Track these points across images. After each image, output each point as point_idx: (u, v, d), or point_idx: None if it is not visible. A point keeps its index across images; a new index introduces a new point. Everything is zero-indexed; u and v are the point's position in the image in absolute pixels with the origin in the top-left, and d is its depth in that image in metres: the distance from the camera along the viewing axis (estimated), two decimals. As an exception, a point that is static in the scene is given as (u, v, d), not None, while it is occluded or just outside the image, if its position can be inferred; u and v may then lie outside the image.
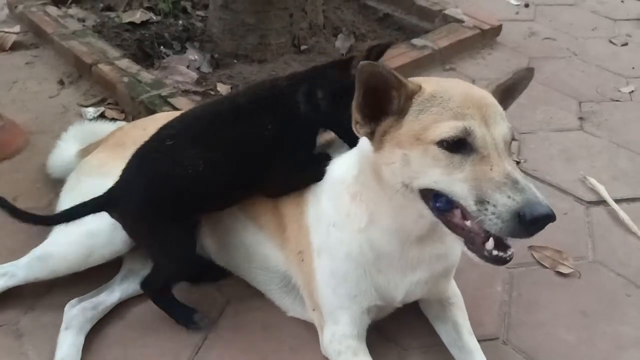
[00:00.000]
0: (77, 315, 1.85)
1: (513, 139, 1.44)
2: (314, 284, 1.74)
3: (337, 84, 1.70)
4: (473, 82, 3.43)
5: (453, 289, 1.92)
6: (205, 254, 2.09)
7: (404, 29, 3.96)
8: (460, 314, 1.87)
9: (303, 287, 1.82)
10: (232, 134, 1.72)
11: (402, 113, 1.44)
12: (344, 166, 1.71)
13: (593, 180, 2.64)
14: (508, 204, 1.29)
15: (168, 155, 1.73)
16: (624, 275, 2.20)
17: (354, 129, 1.49)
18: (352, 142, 1.71)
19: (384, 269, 1.68)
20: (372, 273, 1.68)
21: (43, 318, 1.90)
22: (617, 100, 3.36)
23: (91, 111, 2.95)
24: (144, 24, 3.62)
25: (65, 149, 2.35)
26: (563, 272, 2.18)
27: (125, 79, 3.02)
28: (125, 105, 2.98)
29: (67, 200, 2.01)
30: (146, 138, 2.01)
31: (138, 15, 3.66)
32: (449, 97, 1.41)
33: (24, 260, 1.90)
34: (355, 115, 1.47)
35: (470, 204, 1.33)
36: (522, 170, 1.48)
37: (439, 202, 1.41)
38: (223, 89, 3.13)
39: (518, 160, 2.75)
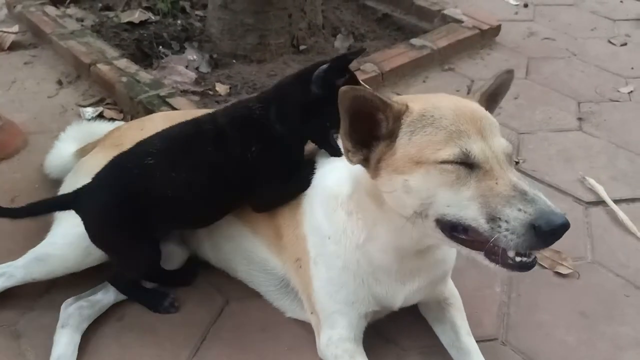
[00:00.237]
0: (73, 313, 1.84)
1: (516, 162, 1.41)
2: (311, 289, 1.74)
3: (302, 100, 1.69)
4: (472, 82, 3.44)
5: (451, 290, 1.92)
6: (201, 255, 2.09)
7: (403, 29, 3.96)
8: (459, 315, 1.87)
9: (301, 291, 1.82)
10: (214, 157, 1.72)
11: (393, 136, 1.40)
12: (335, 179, 1.67)
13: (592, 181, 2.64)
14: (520, 218, 1.26)
15: (146, 174, 1.73)
16: (623, 275, 2.20)
17: (345, 157, 1.45)
18: (333, 152, 1.73)
19: (382, 279, 1.67)
20: (370, 283, 1.67)
21: (41, 319, 1.90)
22: (616, 101, 3.36)
23: (90, 111, 2.94)
24: (143, 23, 3.63)
25: (63, 149, 2.35)
26: (562, 272, 2.17)
27: (124, 79, 3.02)
28: (124, 105, 2.97)
29: None
30: (144, 137, 2.01)
31: (137, 15, 3.66)
32: (440, 115, 1.37)
33: (21, 260, 1.90)
34: (345, 144, 1.42)
35: (481, 224, 1.30)
36: (521, 171, 1.46)
37: (459, 231, 1.38)
38: (222, 89, 3.13)
39: (517, 160, 2.75)
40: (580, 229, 2.41)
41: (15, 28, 3.63)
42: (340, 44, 3.67)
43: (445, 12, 3.95)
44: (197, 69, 3.32)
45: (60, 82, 3.21)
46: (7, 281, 1.89)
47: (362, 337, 1.76)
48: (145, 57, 3.39)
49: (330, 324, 1.73)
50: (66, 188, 2.06)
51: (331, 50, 3.61)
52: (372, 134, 1.42)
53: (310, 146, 1.82)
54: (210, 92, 3.11)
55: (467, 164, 1.33)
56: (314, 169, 1.77)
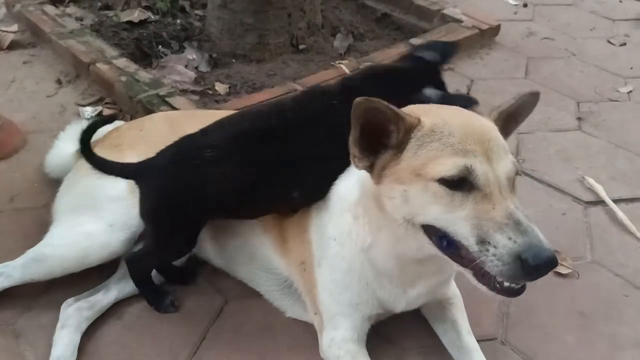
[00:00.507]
0: (73, 314, 1.84)
1: (517, 173, 1.39)
2: (315, 291, 1.74)
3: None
4: (471, 82, 3.44)
5: (453, 290, 1.92)
6: (201, 255, 2.08)
7: (403, 29, 3.96)
8: (460, 314, 1.87)
9: (305, 293, 1.82)
10: (282, 151, 1.66)
11: (400, 147, 1.40)
12: (345, 184, 1.67)
13: (591, 180, 2.64)
14: (509, 246, 1.26)
15: (206, 167, 1.67)
16: (622, 275, 2.20)
17: (352, 162, 1.45)
18: (467, 99, 1.68)
19: (385, 284, 1.67)
20: (374, 286, 1.68)
21: (40, 318, 1.90)
22: (615, 101, 3.36)
23: (89, 110, 2.94)
24: (142, 23, 3.62)
25: (64, 148, 2.34)
26: (561, 272, 2.17)
27: (123, 78, 3.02)
28: (123, 104, 2.97)
29: (64, 200, 2.01)
30: (142, 139, 1.99)
31: (136, 15, 3.65)
32: (449, 131, 1.37)
33: (19, 260, 1.89)
34: (353, 150, 1.42)
35: (471, 244, 1.31)
36: (520, 171, 1.45)
37: (444, 241, 1.38)
38: (221, 88, 3.13)
39: (516, 160, 2.75)
40: (579, 228, 2.41)
41: (14, 27, 3.63)
42: (340, 44, 3.67)
43: (445, 11, 3.95)
44: (196, 68, 3.32)
45: (59, 82, 3.21)
46: (5, 281, 1.88)
47: (365, 339, 1.76)
48: (144, 56, 3.39)
49: (333, 325, 1.72)
50: (65, 188, 2.06)
51: (330, 49, 3.61)
52: (380, 141, 1.42)
53: None
54: (210, 92, 3.11)
55: (468, 182, 1.32)
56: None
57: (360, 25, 3.93)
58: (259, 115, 1.77)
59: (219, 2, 3.38)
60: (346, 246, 1.65)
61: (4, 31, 3.55)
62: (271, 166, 1.67)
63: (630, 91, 3.46)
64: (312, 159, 1.65)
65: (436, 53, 1.76)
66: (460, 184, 1.32)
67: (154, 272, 1.98)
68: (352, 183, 1.64)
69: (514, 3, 4.54)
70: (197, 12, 3.84)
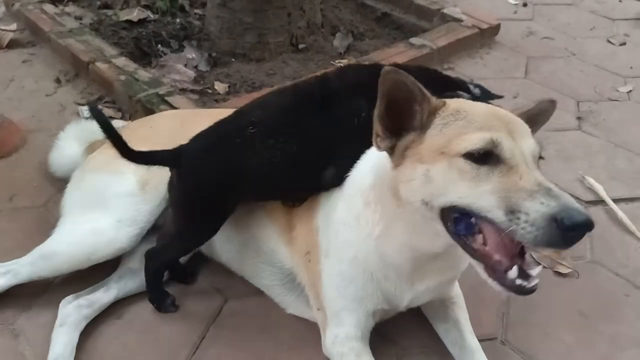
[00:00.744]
0: (72, 312, 1.84)
1: (540, 156, 1.38)
2: (320, 285, 1.73)
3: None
4: (472, 81, 3.42)
5: (456, 289, 1.92)
6: (207, 250, 2.08)
7: (402, 28, 3.96)
8: (462, 314, 1.87)
9: (309, 287, 1.81)
10: (322, 121, 1.65)
11: (424, 128, 1.39)
12: (359, 168, 1.66)
13: (591, 180, 2.64)
14: (542, 210, 1.21)
15: (247, 144, 1.66)
16: (622, 275, 2.21)
17: (374, 142, 1.44)
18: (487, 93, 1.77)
19: (391, 277, 1.65)
20: (379, 278, 1.66)
21: (40, 318, 1.89)
22: (615, 100, 3.36)
23: (88, 109, 2.93)
24: (142, 22, 3.61)
25: (68, 147, 2.33)
26: (561, 272, 2.17)
27: (123, 78, 3.01)
28: (123, 103, 2.97)
29: (72, 197, 2.00)
30: (153, 135, 1.98)
31: (135, 14, 3.65)
32: (474, 112, 1.37)
33: (27, 258, 1.89)
34: (377, 127, 1.41)
35: (498, 215, 1.26)
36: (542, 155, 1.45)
37: (459, 226, 1.36)
38: (221, 87, 3.13)
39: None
40: (579, 228, 2.41)
41: (14, 26, 3.63)
42: (339, 43, 3.66)
43: (445, 11, 3.95)
44: (196, 67, 3.32)
45: (58, 81, 3.20)
46: (13, 279, 1.88)
47: (369, 337, 1.75)
48: (144, 55, 3.38)
49: (337, 321, 1.71)
50: (74, 184, 2.04)
51: (330, 49, 3.61)
52: (404, 123, 1.41)
53: None
54: (209, 91, 3.11)
55: (494, 156, 1.31)
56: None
57: (360, 25, 3.92)
58: (300, 88, 1.76)
59: (219, 1, 3.38)
60: (354, 232, 1.63)
61: (3, 30, 3.55)
62: (312, 136, 1.66)
63: (630, 91, 3.46)
64: (351, 130, 1.64)
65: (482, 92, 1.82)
66: (486, 157, 1.30)
67: None
68: (367, 167, 1.63)
69: (514, 2, 4.54)
70: (196, 11, 3.84)
